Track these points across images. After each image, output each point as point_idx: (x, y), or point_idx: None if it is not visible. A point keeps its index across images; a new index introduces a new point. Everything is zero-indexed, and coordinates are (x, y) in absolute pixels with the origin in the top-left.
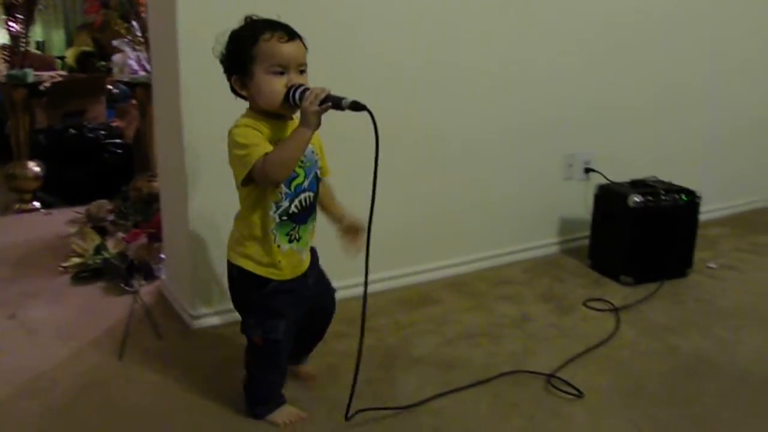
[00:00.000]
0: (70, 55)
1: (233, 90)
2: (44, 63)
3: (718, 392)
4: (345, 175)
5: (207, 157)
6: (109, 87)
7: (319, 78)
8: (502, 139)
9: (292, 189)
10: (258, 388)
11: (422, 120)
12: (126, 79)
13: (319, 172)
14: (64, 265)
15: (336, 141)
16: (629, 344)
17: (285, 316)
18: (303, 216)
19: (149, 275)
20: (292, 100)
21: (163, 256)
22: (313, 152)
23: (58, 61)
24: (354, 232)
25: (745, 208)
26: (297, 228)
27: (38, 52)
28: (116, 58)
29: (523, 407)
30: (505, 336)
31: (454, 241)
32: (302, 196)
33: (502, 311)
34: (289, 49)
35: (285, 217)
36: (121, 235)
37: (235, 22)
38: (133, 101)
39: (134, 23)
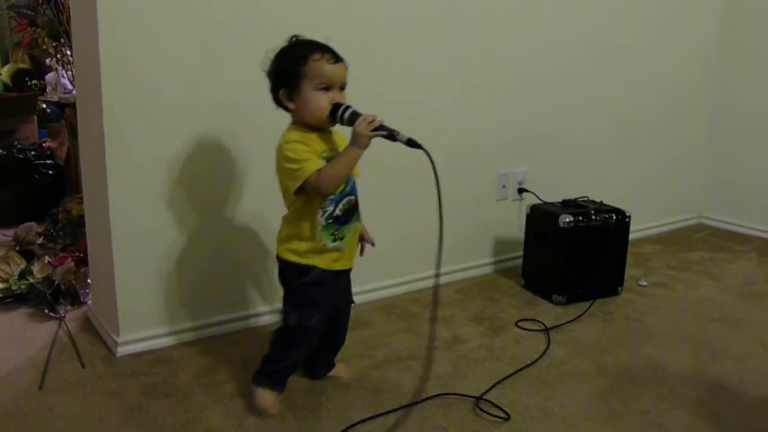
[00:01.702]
0: (5, 72)
1: (277, 102)
2: None
3: (645, 411)
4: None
5: (130, 178)
6: (43, 106)
7: None
8: (436, 160)
9: (338, 195)
10: (272, 363)
11: None
12: (55, 99)
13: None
14: None
15: None
16: (558, 364)
17: (319, 307)
18: (346, 217)
19: (76, 300)
20: (340, 118)
21: (89, 280)
22: None
23: None
24: (361, 240)
25: (678, 226)
26: (340, 229)
27: None
28: (49, 76)
29: (450, 431)
30: (436, 359)
31: (388, 264)
32: (345, 200)
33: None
34: (335, 69)
35: (330, 220)
36: (47, 259)
37: (157, 43)
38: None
39: (64, 42)
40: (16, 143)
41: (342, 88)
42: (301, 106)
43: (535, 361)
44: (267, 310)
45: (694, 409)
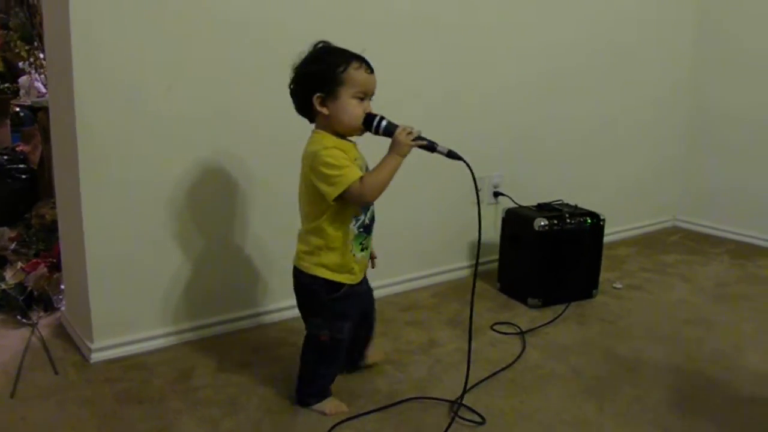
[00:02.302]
0: None
1: (303, 105)
2: None
3: (619, 413)
4: None
5: (103, 182)
6: (17, 110)
7: None
8: (409, 163)
9: None
10: (313, 380)
11: None
12: (28, 103)
13: None
14: None
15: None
16: (533, 367)
17: (350, 318)
18: (371, 226)
19: (49, 306)
20: (375, 128)
21: (63, 286)
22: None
23: None
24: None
25: (653, 228)
26: (367, 238)
27: None
28: (23, 80)
29: None
30: (412, 362)
31: None
32: (372, 208)
33: (409, 337)
34: (371, 79)
35: (362, 229)
36: (20, 264)
37: (133, 47)
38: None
39: (37, 45)
40: None
41: (371, 98)
42: (335, 112)
43: (510, 364)
44: (243, 315)
45: (668, 410)
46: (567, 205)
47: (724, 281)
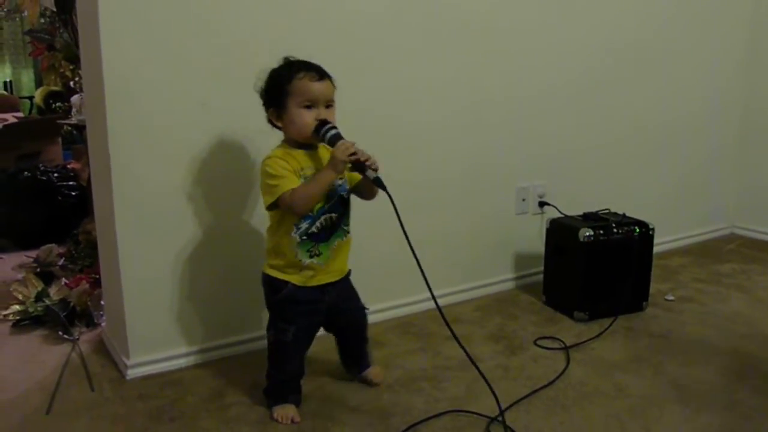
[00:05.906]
0: (38, 95)
1: (269, 121)
2: (7, 104)
3: None
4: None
5: (137, 201)
6: (69, 128)
7: None
8: (453, 174)
9: (315, 212)
10: (269, 380)
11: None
12: (74, 121)
13: (345, 193)
14: (4, 313)
15: None
16: (577, 385)
17: (294, 323)
18: (324, 234)
19: (90, 322)
20: (322, 136)
21: (103, 302)
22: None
23: (26, 101)
24: None
25: (709, 237)
26: (317, 245)
27: (4, 93)
28: (74, 98)
29: None
30: (449, 379)
31: (405, 281)
32: (324, 217)
33: (449, 353)
34: (318, 86)
35: (305, 237)
36: (65, 281)
37: (160, 68)
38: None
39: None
40: (40, 165)
41: (328, 105)
42: (287, 123)
43: (552, 381)
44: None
45: None
46: (614, 214)
47: None
